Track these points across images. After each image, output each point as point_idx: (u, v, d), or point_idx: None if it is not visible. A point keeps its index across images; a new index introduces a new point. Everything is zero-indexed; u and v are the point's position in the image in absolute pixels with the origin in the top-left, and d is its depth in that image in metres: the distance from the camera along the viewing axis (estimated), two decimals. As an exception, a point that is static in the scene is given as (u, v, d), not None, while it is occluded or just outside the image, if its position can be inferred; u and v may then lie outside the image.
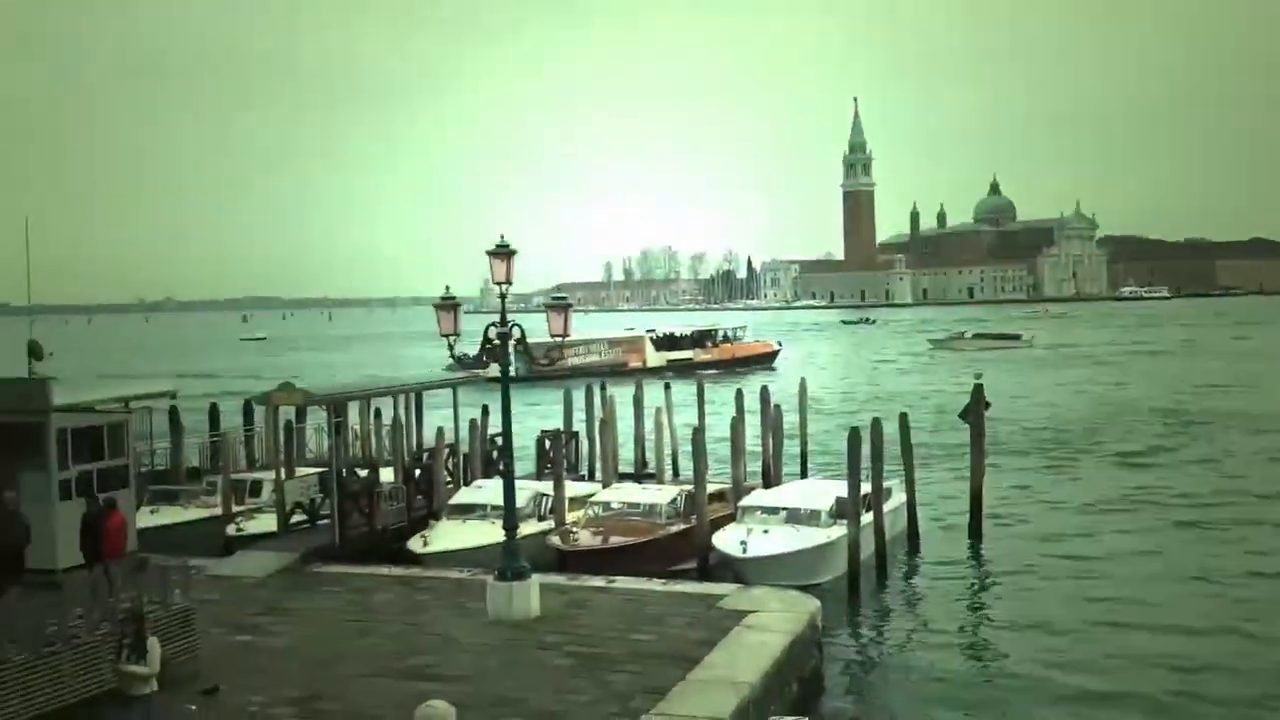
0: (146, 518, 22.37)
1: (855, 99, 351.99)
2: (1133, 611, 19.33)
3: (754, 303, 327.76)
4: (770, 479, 27.11)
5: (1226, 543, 24.45)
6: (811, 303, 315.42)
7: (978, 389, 26.25)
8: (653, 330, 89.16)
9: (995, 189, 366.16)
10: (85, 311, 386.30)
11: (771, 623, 15.63)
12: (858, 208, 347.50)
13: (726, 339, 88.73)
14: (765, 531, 21.09)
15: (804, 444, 32.95)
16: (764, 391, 30.19)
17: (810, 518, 21.63)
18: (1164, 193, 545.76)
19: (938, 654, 17.61)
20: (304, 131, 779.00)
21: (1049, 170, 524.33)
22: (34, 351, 20.03)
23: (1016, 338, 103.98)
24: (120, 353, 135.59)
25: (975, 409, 26.01)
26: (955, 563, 23.25)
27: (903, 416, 25.40)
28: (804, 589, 18.27)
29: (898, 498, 24.64)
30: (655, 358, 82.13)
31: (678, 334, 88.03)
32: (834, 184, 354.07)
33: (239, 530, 22.58)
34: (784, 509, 22.04)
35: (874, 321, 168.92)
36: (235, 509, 23.84)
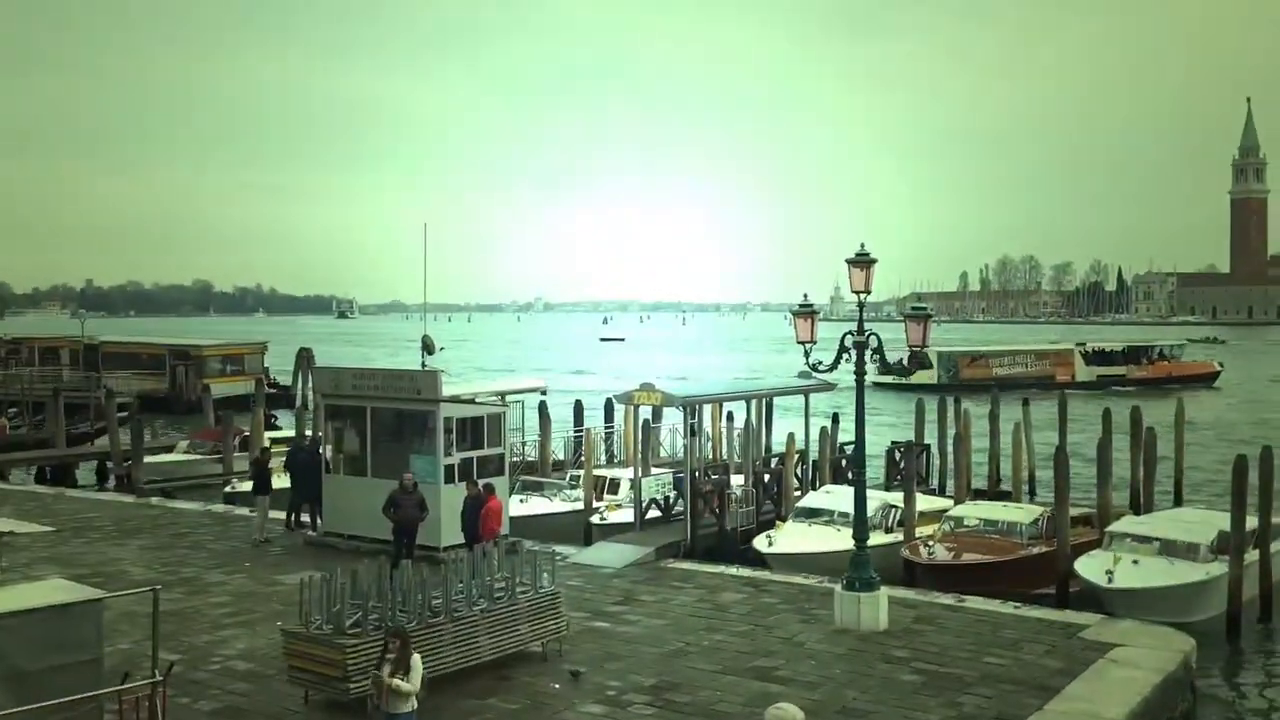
0: (516, 505, 24.04)
1: (1249, 99, 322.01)
2: None
3: (1123, 317, 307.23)
4: (1140, 506, 25.39)
5: None
6: (1189, 319, 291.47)
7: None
8: (1083, 344, 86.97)
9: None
10: (465, 310, 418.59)
11: (1140, 659, 14.64)
12: (1247, 216, 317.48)
13: (1163, 356, 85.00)
14: (1135, 562, 19.71)
15: (1179, 470, 30.57)
16: (1135, 412, 28.31)
17: (1187, 551, 20.01)
18: None
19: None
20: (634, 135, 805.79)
21: None
22: (427, 346, 22.02)
23: None
24: (497, 349, 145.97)
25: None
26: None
27: (1264, 451, 22.88)
28: (1176, 627, 17.00)
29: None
30: (1085, 372, 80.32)
31: (1108, 349, 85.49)
32: (1220, 190, 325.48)
33: (602, 518, 23.79)
34: (1158, 539, 20.51)
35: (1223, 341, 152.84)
36: (595, 502, 25.15)
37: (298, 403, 47.67)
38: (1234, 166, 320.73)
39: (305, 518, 23.10)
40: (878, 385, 70.20)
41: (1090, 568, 19.79)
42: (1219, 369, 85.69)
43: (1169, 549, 20.13)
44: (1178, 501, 29.27)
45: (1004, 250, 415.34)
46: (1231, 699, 16.50)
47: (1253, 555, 19.99)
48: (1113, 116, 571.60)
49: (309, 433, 30.33)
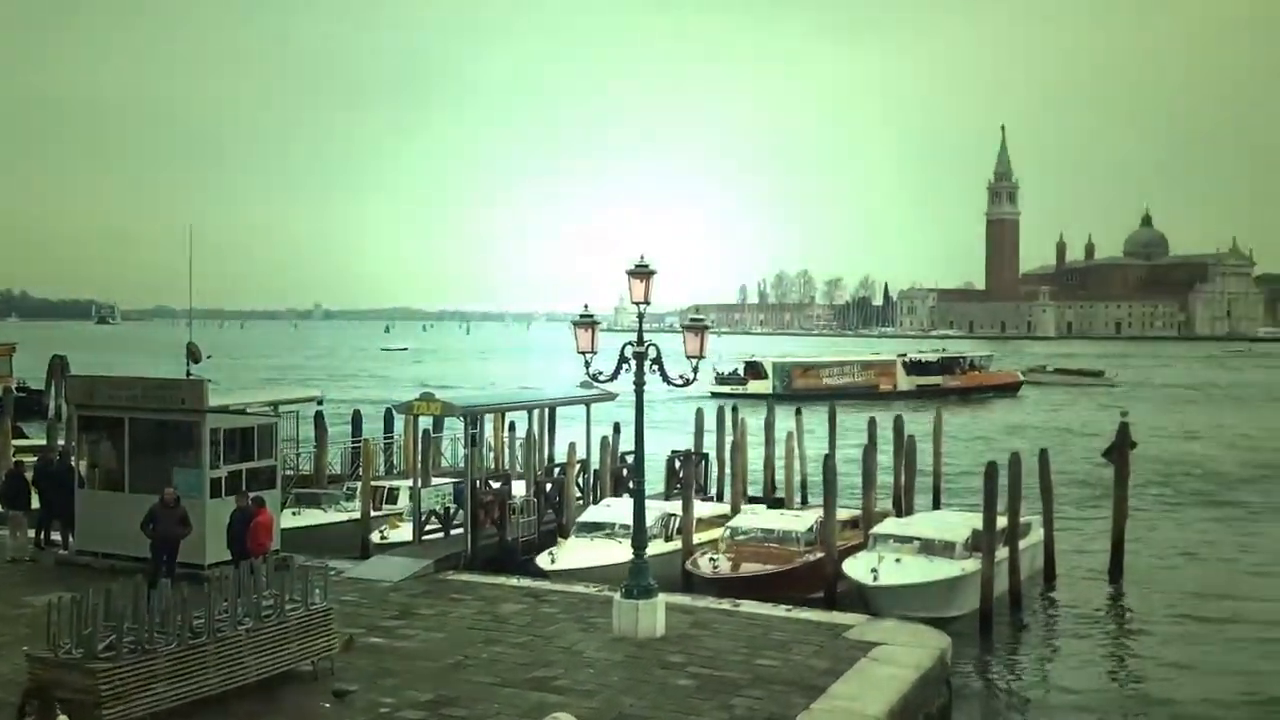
0: (289, 519, 23.20)
1: (1003, 126, 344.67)
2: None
3: (889, 330, 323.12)
4: (902, 509, 26.70)
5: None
6: (949, 332, 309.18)
7: (1123, 427, 25.41)
8: (905, 355, 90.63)
9: (1147, 221, 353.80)
10: (238, 317, 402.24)
11: (900, 656, 15.34)
12: (1001, 236, 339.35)
13: (974, 366, 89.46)
14: (897, 560, 20.75)
15: (938, 475, 32.31)
16: (898, 421, 29.73)
17: (944, 549, 21.20)
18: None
19: (1070, 697, 17.05)
20: (452, 145, 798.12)
21: (1204, 204, 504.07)
22: (192, 354, 20.98)
23: (1099, 374, 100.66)
24: (270, 357, 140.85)
25: (1120, 448, 25.16)
26: (1093, 604, 22.46)
27: (1043, 453, 24.67)
28: (934, 622, 17.93)
29: (1036, 534, 23.96)
30: (906, 381, 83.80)
31: (925, 360, 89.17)
32: (977, 212, 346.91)
33: (383, 537, 23.25)
34: (917, 539, 21.65)
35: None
36: (373, 514, 24.55)
37: (50, 413, 44.59)
38: (989, 190, 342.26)
39: (56, 535, 21.63)
40: (715, 395, 72.52)
41: (856, 567, 20.71)
42: (1022, 379, 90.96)
43: (928, 548, 21.27)
44: (936, 504, 30.95)
45: (781, 265, 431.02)
46: (985, 691, 17.51)
47: (1003, 553, 21.31)
48: (882, 142, 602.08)
49: (61, 444, 28.43)
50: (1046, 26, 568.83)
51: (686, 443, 31.46)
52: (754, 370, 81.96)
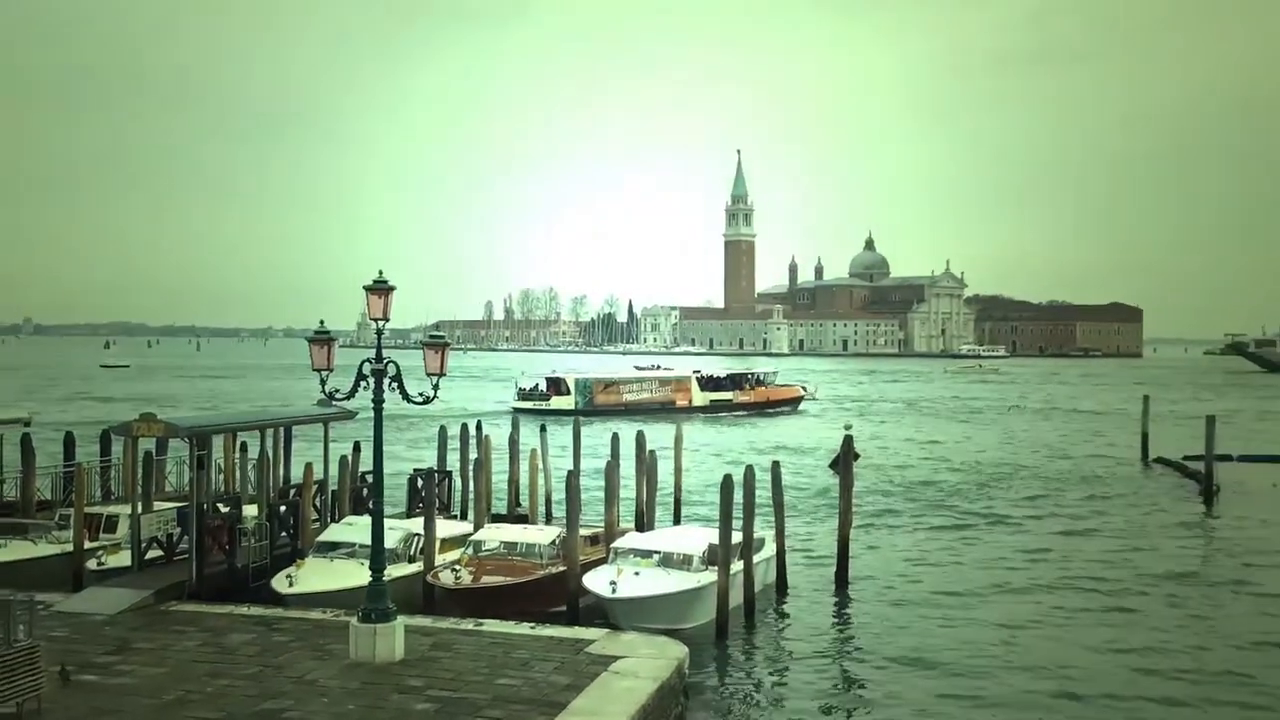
0: (-10, 551, 21.33)
1: (739, 151, 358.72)
2: (999, 663, 19.69)
3: (634, 347, 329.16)
4: (644, 523, 27.15)
5: (1080, 592, 25.19)
6: (690, 349, 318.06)
7: (847, 440, 26.76)
8: (699, 371, 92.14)
9: (870, 245, 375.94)
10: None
11: (639, 668, 15.58)
12: (738, 257, 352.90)
13: (760, 382, 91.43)
14: (636, 574, 21.10)
15: (678, 490, 33.10)
16: (640, 436, 30.26)
17: (682, 562, 21.70)
18: (1029, 256, 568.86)
19: (801, 702, 17.75)
20: (180, 154, 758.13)
21: (922, 230, 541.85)
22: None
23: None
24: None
25: (845, 459, 26.48)
26: (822, 612, 23.49)
27: (775, 465, 25.70)
28: (672, 633, 18.32)
29: (770, 546, 24.87)
30: (700, 397, 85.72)
31: (717, 376, 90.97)
32: (716, 233, 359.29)
33: (100, 564, 21.65)
34: (656, 552, 22.08)
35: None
36: (88, 544, 22.85)
37: None
38: (727, 212, 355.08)
39: None
40: (517, 410, 71.71)
41: (596, 580, 20.90)
42: (803, 394, 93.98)
43: (667, 561, 21.72)
44: (677, 519, 31.69)
45: (527, 282, 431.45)
46: (719, 699, 17.99)
47: (738, 565, 22.03)
48: (629, 164, 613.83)
49: None
50: (785, 55, 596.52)
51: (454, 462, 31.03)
52: (556, 386, 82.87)
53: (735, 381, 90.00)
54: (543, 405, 77.46)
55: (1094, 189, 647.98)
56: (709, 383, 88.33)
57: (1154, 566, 27.98)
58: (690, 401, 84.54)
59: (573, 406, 76.47)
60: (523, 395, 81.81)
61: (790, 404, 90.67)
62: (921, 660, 19.82)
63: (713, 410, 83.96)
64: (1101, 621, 22.63)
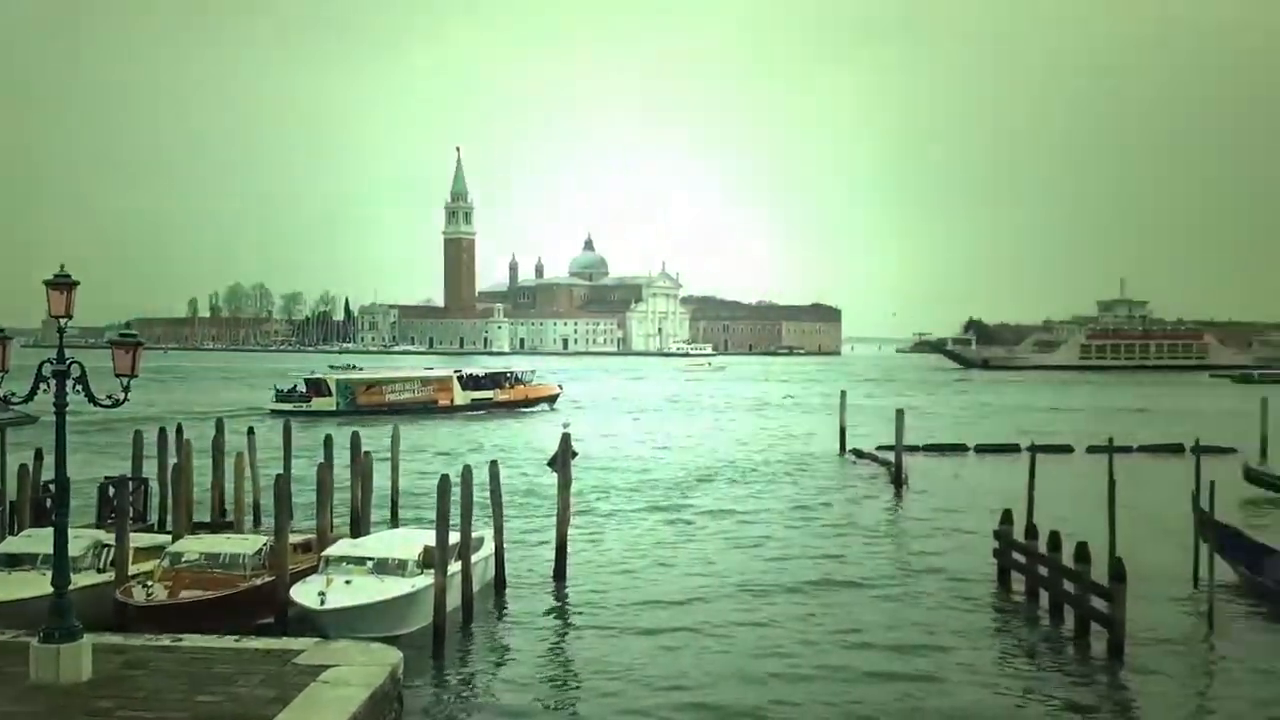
0: None
1: (458, 148, 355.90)
2: (712, 654, 20.31)
3: (351, 346, 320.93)
4: (358, 528, 26.46)
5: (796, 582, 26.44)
6: (410, 348, 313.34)
7: (565, 438, 26.99)
8: (460, 370, 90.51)
9: (589, 245, 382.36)
10: None
11: (350, 677, 15.13)
12: (458, 255, 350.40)
13: (519, 380, 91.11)
14: (347, 582, 20.47)
15: (395, 491, 32.48)
16: (355, 437, 29.47)
17: (396, 567, 21.24)
18: (742, 258, 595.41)
19: (517, 700, 17.76)
20: None
21: (641, 230, 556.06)
22: None
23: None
24: None
25: (563, 457, 26.70)
26: (540, 609, 23.59)
27: (493, 464, 25.57)
28: (389, 640, 17.92)
29: (489, 546, 24.74)
30: (462, 396, 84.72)
31: (477, 375, 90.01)
32: (436, 230, 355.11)
33: None
34: (370, 559, 21.50)
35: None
36: None
37: None
38: (447, 209, 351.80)
39: None
40: (275, 413, 67.51)
41: (304, 592, 20.13)
42: (559, 391, 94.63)
43: (381, 567, 21.20)
44: (395, 521, 31.06)
45: (235, 277, 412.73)
46: (436, 702, 17.73)
47: (455, 567, 21.78)
48: (344, 155, 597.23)
49: None
50: (505, 50, 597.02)
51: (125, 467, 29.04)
52: (316, 387, 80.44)
53: (495, 380, 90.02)
54: (303, 407, 75.36)
55: (801, 192, 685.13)
56: (470, 381, 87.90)
57: (846, 553, 29.70)
58: (452, 401, 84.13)
59: (334, 408, 75.18)
60: (280, 397, 78.98)
61: (548, 401, 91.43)
62: (636, 653, 20.23)
63: (474, 409, 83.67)
64: (800, 607, 23.75)
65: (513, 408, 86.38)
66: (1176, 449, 51.65)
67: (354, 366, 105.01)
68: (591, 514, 35.34)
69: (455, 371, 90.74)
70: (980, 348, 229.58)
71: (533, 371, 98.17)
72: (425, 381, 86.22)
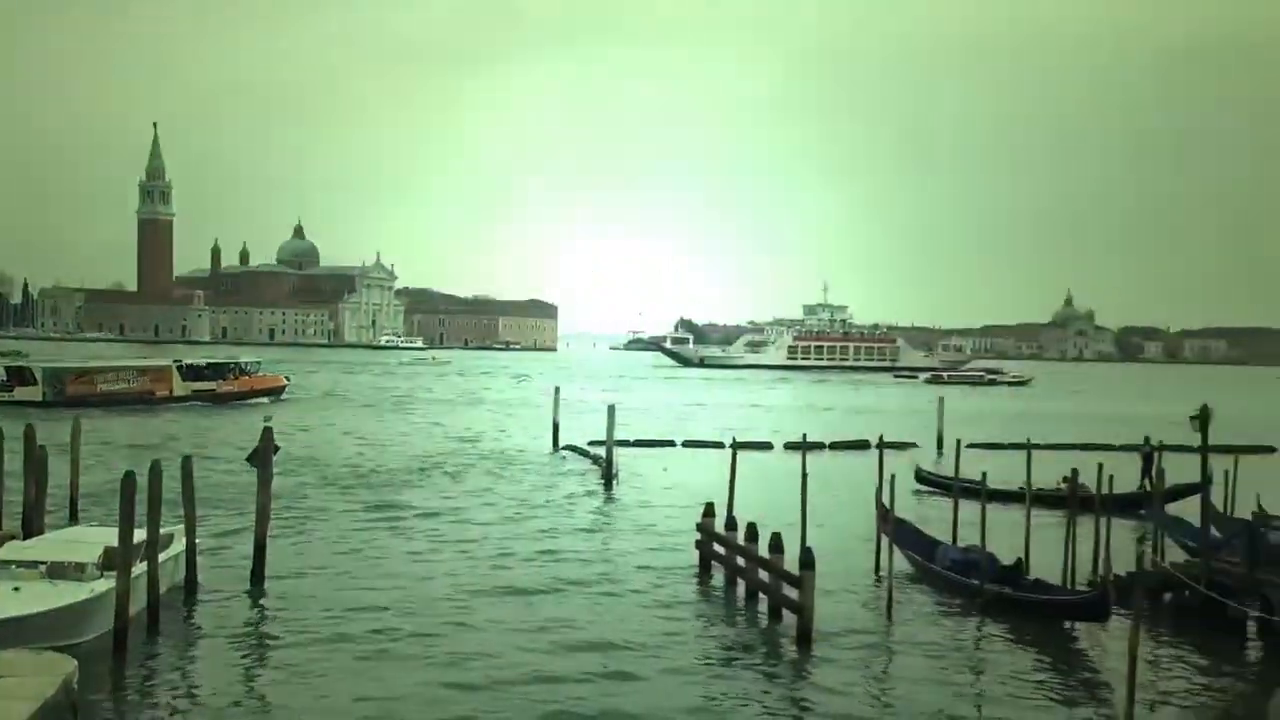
0: None
1: (155, 124, 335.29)
2: (415, 662, 19.87)
3: (30, 331, 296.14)
4: (33, 528, 24.42)
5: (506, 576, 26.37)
6: (100, 334, 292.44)
7: (267, 431, 25.88)
8: (179, 360, 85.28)
9: (299, 233, 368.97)
10: None
11: (17, 689, 13.88)
12: (155, 237, 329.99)
13: (244, 371, 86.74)
14: (16, 589, 18.80)
15: (75, 488, 30.21)
16: (29, 429, 27.18)
17: (75, 570, 19.70)
18: (459, 251, 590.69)
19: (202, 712, 16.86)
20: None
21: (351, 220, 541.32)
22: None
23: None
24: None
25: (265, 452, 25.58)
26: (233, 611, 22.40)
27: (186, 460, 24.13)
28: (66, 649, 16.60)
29: (178, 545, 23.34)
30: (182, 387, 79.93)
31: (199, 365, 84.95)
32: (130, 211, 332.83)
33: None
34: (44, 562, 19.84)
35: None
36: None
37: None
38: (141, 188, 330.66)
39: None
40: None
41: (-32, 600, 18.36)
42: (286, 383, 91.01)
43: (56, 571, 19.62)
44: (73, 519, 28.86)
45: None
46: (114, 712, 16.60)
47: (141, 568, 20.40)
48: (26, 126, 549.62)
49: None
50: (200, 27, 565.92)
51: None
52: (20, 375, 73.87)
53: (219, 371, 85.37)
54: (4, 397, 69.16)
55: (518, 188, 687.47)
56: (191, 372, 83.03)
57: (556, 550, 29.85)
58: (171, 392, 79.13)
59: (40, 398, 69.68)
60: None
61: (274, 393, 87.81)
62: (334, 661, 19.44)
63: (195, 400, 78.99)
64: (508, 609, 23.62)
65: (237, 400, 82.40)
66: (863, 445, 55.18)
67: (19, 353, 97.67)
68: (296, 513, 33.97)
69: (175, 361, 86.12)
70: (698, 346, 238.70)
71: (258, 362, 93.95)
72: (141, 371, 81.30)
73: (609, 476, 43.22)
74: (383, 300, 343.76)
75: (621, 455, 47.21)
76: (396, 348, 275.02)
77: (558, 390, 59.58)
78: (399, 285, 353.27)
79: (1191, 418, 24.92)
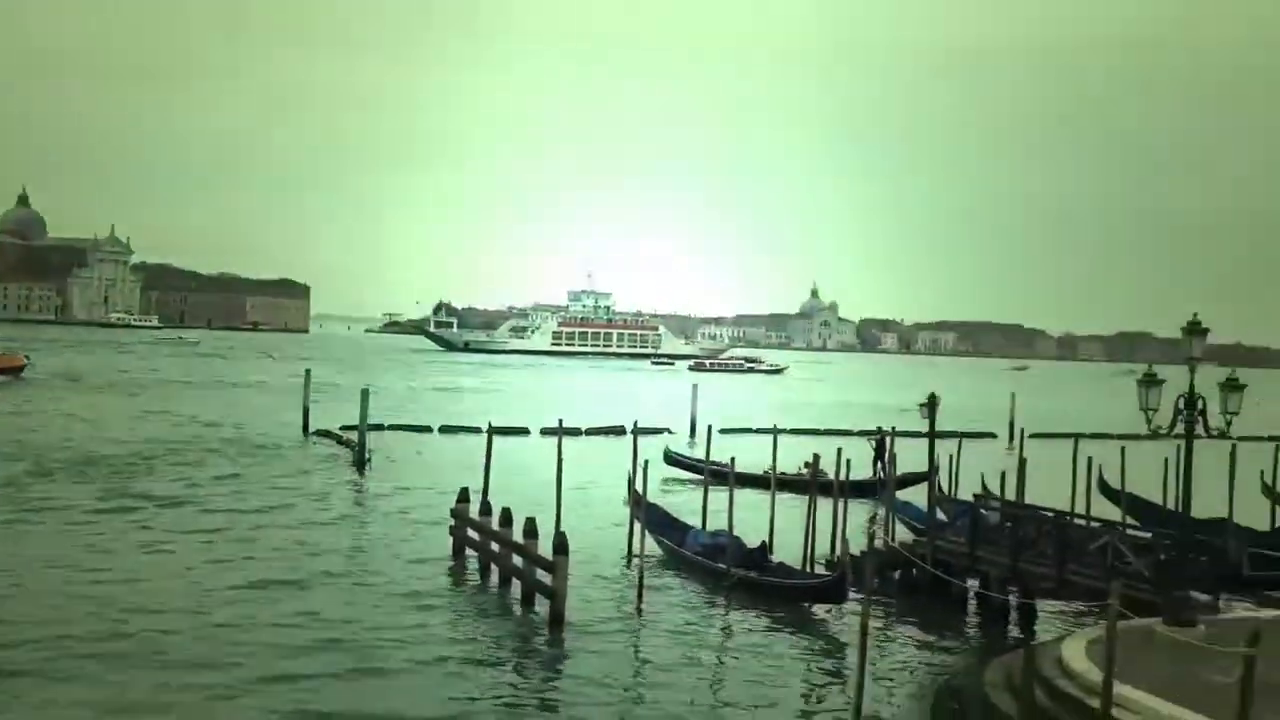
0: None
1: None
2: (151, 669, 18.81)
3: None
4: None
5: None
6: None
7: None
8: None
9: (24, 201, 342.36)
10: None
11: None
12: None
13: None
14: None
15: None
16: None
17: None
18: (201, 226, 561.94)
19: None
20: None
21: (84, 190, 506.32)
22: None
23: None
24: None
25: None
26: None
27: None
28: None
29: None
30: None
31: None
32: None
33: None
34: None
35: None
36: None
37: None
38: None
39: None
40: None
41: None
42: (26, 362, 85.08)
43: None
44: None
45: None
46: None
47: None
48: None
49: None
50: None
51: None
52: None
53: None
54: None
55: (269, 166, 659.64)
56: None
57: (306, 540, 28.83)
58: None
59: None
60: None
61: (11, 372, 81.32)
62: (57, 671, 17.72)
63: None
64: (254, 605, 22.41)
65: None
66: (619, 431, 55.99)
67: None
68: (14, 505, 31.48)
69: None
70: (462, 331, 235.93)
71: None
72: None
73: (362, 462, 42.17)
74: (116, 275, 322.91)
75: (376, 441, 46.20)
76: (129, 326, 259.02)
77: (309, 373, 57.63)
78: (136, 260, 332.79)
79: (921, 405, 26.62)
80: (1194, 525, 20.28)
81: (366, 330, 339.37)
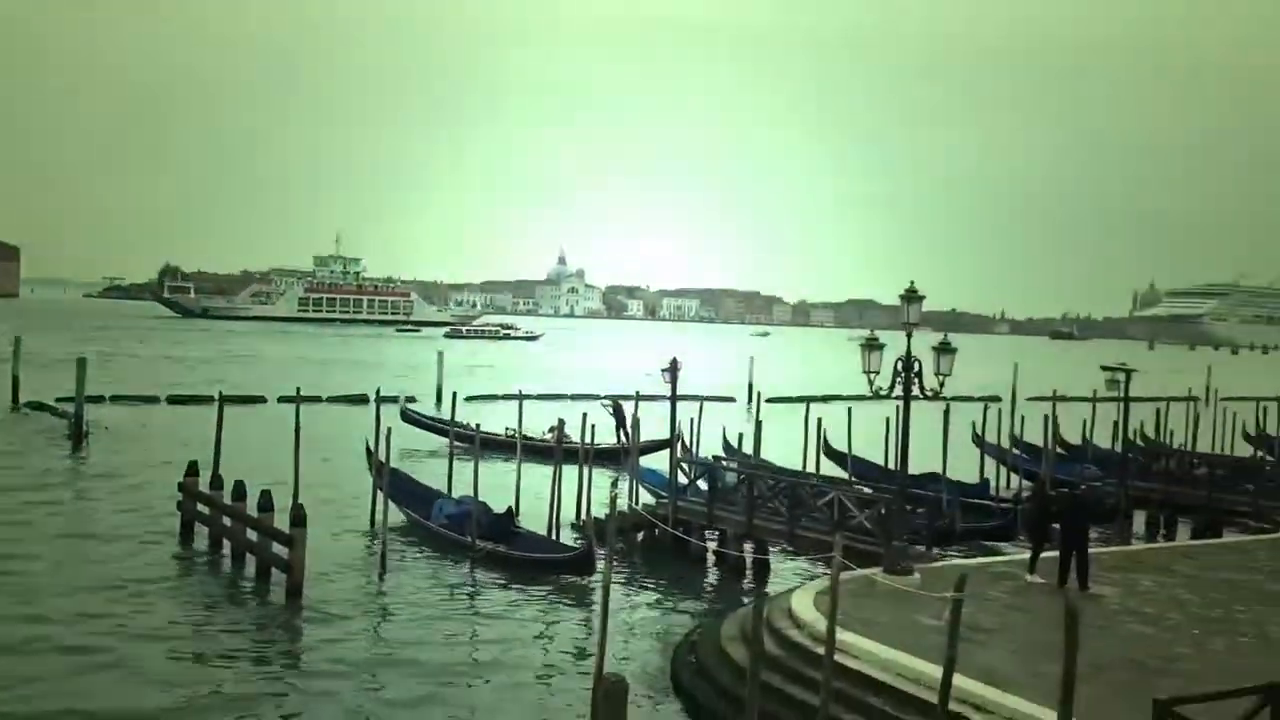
0: None
1: None
2: None
3: None
4: None
5: None
6: None
7: None
8: None
9: None
10: None
11: None
12: None
13: None
14: None
15: None
16: None
17: None
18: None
19: None
20: None
21: None
22: None
23: None
24: None
25: None
26: None
27: None
28: None
29: None
30: None
31: None
32: None
33: None
34: None
35: None
36: None
37: None
38: None
39: None
40: None
41: None
42: None
43: None
44: None
45: None
46: None
47: None
48: None
49: None
50: None
51: None
52: None
53: None
54: None
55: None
56: None
57: (15, 519, 26.86)
58: None
59: None
60: None
61: None
62: None
63: None
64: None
65: None
66: (362, 399, 54.65)
67: None
68: None
69: None
70: (200, 296, 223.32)
71: None
72: None
73: (79, 436, 39.45)
74: None
75: (96, 413, 43.30)
76: None
77: (19, 340, 53.22)
78: None
79: (663, 370, 27.22)
80: (910, 480, 21.64)
81: (85, 295, 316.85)
